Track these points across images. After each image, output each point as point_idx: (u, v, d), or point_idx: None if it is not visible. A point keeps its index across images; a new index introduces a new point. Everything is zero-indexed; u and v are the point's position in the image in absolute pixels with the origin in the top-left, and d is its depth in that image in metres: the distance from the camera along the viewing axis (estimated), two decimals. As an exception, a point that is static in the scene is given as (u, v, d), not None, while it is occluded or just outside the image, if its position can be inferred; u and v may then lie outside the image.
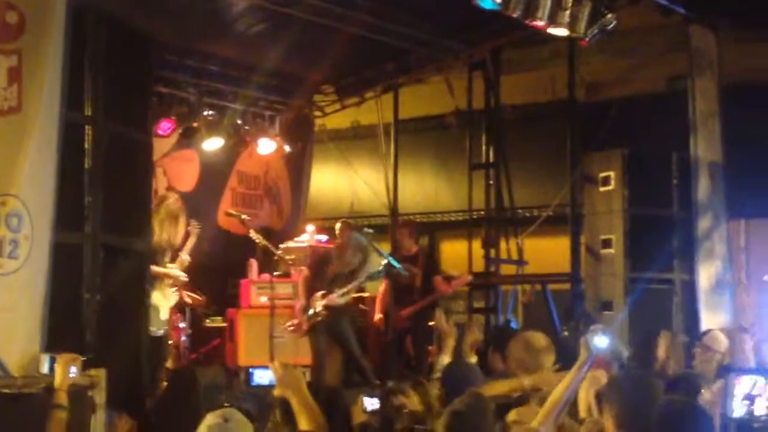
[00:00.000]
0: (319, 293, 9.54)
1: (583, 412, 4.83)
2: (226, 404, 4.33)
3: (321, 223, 12.10)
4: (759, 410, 5.37)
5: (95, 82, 6.68)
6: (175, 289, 9.10)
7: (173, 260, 9.10)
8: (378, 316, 10.51)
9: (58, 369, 4.80)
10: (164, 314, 8.84)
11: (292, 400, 4.10)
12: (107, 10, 6.95)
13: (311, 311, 9.54)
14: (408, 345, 10.60)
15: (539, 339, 5.75)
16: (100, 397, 5.42)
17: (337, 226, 10.36)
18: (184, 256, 9.20)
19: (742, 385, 5.40)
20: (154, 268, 8.56)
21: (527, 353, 5.62)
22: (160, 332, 8.70)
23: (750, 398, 5.39)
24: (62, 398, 4.70)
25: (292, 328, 9.65)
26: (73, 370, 4.83)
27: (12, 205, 5.85)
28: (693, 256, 10.35)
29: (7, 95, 5.98)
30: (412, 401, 5.31)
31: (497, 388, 5.43)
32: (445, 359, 6.05)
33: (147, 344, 7.58)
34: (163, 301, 8.87)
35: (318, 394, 4.37)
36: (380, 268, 10.00)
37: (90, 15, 6.67)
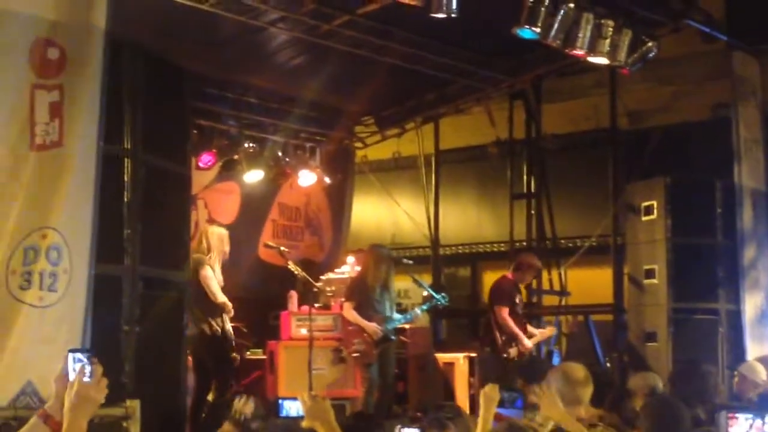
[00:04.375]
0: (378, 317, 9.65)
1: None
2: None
3: (360, 255, 12.09)
4: None
5: (133, 115, 6.74)
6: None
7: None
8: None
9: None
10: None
11: (320, 431, 4.09)
12: (145, 44, 7.03)
13: (383, 337, 9.58)
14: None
15: (578, 371, 5.68)
16: (134, 428, 5.42)
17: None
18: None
19: (740, 424, 5.29)
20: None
21: (565, 385, 5.54)
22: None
23: None
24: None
25: (357, 354, 9.63)
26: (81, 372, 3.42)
27: (52, 239, 5.90)
28: (738, 285, 10.20)
29: (49, 130, 6.05)
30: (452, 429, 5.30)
31: None
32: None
33: (185, 376, 7.58)
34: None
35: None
36: (431, 301, 10.07)
37: (127, 49, 6.74)
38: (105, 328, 6.37)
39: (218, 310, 9.16)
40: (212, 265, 9.24)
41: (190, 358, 8.52)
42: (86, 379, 3.16)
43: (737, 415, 5.34)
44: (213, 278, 9.15)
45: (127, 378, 6.48)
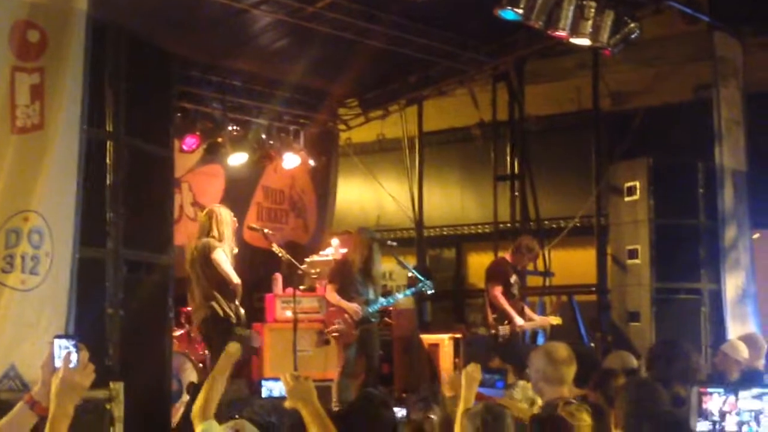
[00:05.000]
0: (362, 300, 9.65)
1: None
2: (236, 416, 4.32)
3: (346, 237, 12.11)
4: (729, 426, 5.32)
5: (116, 98, 6.71)
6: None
7: None
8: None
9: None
10: None
11: (303, 411, 4.10)
12: (128, 26, 6.99)
13: (363, 318, 9.60)
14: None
15: (561, 350, 5.69)
16: (118, 410, 5.43)
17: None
18: None
19: (714, 401, 5.35)
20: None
21: (548, 365, 5.57)
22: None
23: (721, 414, 5.35)
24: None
25: (336, 334, 9.64)
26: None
27: (34, 221, 5.89)
28: (719, 265, 10.26)
29: (30, 112, 6.02)
30: (435, 413, 5.33)
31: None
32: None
33: (170, 359, 7.58)
34: None
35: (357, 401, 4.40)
36: (416, 286, 10.06)
37: (111, 31, 6.70)
38: (88, 311, 6.36)
39: (231, 292, 9.18)
40: (223, 247, 9.22)
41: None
42: (72, 365, 3.18)
43: (710, 390, 5.39)
44: (226, 261, 9.15)
45: (111, 361, 6.48)
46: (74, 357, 3.19)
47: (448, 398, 5.70)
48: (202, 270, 9.11)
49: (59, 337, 3.25)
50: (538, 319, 10.51)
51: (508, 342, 9.83)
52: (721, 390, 5.41)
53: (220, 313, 9.10)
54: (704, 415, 5.30)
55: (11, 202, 5.85)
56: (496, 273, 10.30)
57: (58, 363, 3.18)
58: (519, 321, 9.98)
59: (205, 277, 9.10)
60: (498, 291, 10.05)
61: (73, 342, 3.21)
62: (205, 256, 9.07)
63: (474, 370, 5.14)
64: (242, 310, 9.35)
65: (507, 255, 10.46)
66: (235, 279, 9.13)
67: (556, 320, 10.49)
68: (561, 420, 4.57)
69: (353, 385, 9.58)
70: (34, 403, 3.22)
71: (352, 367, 9.68)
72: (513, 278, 10.19)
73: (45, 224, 5.89)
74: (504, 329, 9.96)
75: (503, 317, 10.01)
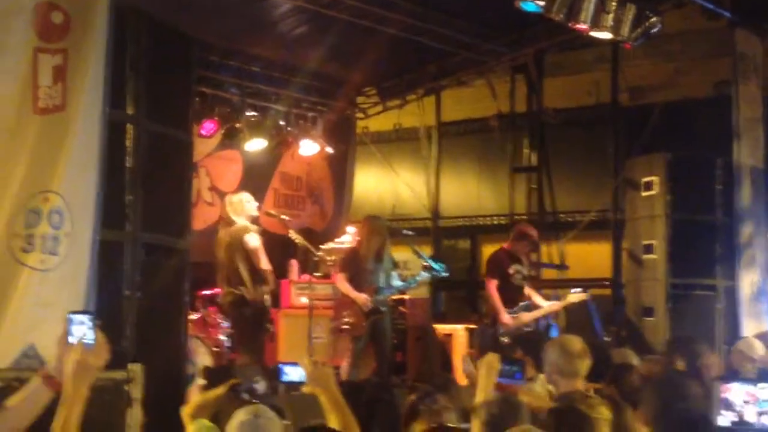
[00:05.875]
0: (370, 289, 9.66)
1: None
2: (255, 401, 4.33)
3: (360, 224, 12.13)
4: (749, 417, 5.33)
5: (137, 81, 6.72)
6: None
7: None
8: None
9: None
10: None
11: (321, 397, 4.11)
12: (150, 10, 7.00)
13: (373, 309, 9.61)
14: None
15: (575, 343, 5.69)
16: (136, 391, 5.46)
17: None
18: None
19: (734, 391, 5.35)
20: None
21: (562, 358, 5.56)
22: None
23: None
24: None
25: (347, 327, 9.67)
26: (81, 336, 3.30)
27: (54, 202, 5.91)
28: (735, 262, 10.23)
29: (52, 93, 6.04)
30: (444, 401, 5.32)
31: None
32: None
33: (186, 342, 7.62)
34: None
35: (359, 390, 4.40)
36: (427, 274, 10.05)
37: (133, 14, 6.71)
38: (106, 293, 6.39)
39: (261, 277, 9.27)
40: (256, 231, 9.43)
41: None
42: (88, 341, 3.18)
43: (730, 385, 5.40)
44: (261, 246, 9.29)
45: (128, 342, 6.52)
46: (90, 334, 3.19)
47: (462, 388, 5.70)
48: (236, 254, 9.22)
49: (74, 312, 3.25)
50: (546, 306, 10.20)
51: (527, 335, 9.76)
52: (740, 382, 5.42)
53: (247, 297, 9.19)
54: (727, 406, 5.30)
55: (32, 182, 5.88)
56: (490, 266, 10.25)
57: (72, 339, 3.19)
58: (505, 318, 9.83)
59: (237, 262, 9.22)
60: (492, 284, 9.95)
61: (88, 317, 3.22)
62: (240, 241, 9.16)
63: (493, 359, 5.14)
64: (267, 296, 9.44)
65: (506, 244, 10.38)
66: (266, 265, 9.23)
67: (577, 297, 10.26)
68: (580, 413, 4.57)
69: (361, 374, 9.59)
70: (49, 378, 3.24)
71: (359, 358, 9.69)
72: (513, 268, 10.05)
73: (65, 205, 5.92)
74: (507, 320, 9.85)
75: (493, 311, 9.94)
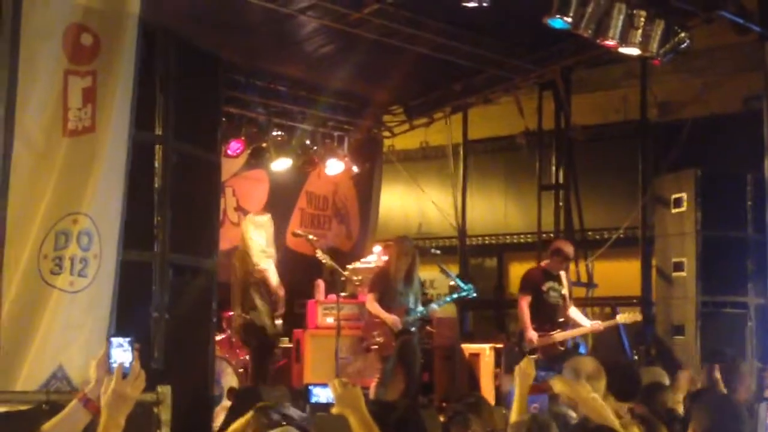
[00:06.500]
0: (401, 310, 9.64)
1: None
2: (283, 423, 4.30)
3: (389, 244, 12.07)
4: None
5: (165, 102, 6.73)
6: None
7: None
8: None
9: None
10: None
11: (350, 418, 4.07)
12: (177, 30, 7.02)
13: (403, 329, 9.57)
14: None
15: (587, 364, 5.62)
16: (165, 413, 5.41)
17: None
18: None
19: None
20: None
21: (575, 379, 5.50)
22: None
23: None
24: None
25: (376, 347, 9.63)
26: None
27: (83, 224, 5.90)
28: (767, 279, 10.11)
29: (82, 115, 6.04)
30: (476, 423, 5.28)
31: None
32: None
33: (213, 363, 7.60)
34: None
35: (389, 410, 4.37)
36: (456, 293, 10.00)
37: (160, 35, 6.73)
38: (135, 314, 6.38)
39: (274, 302, 9.32)
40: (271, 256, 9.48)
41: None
42: (126, 365, 3.17)
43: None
44: (274, 271, 9.33)
45: (157, 364, 6.49)
46: (128, 357, 3.19)
47: (493, 408, 5.66)
48: (248, 277, 9.20)
49: (116, 335, 3.26)
50: (583, 327, 10.00)
51: (533, 352, 9.59)
52: None
53: (257, 322, 9.18)
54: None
55: (61, 204, 5.87)
56: (523, 282, 10.13)
57: (113, 363, 3.19)
58: (530, 336, 9.67)
59: (248, 284, 9.19)
60: (524, 301, 9.83)
61: (128, 340, 3.22)
62: (250, 263, 9.15)
63: (527, 365, 5.10)
64: (279, 321, 9.42)
65: (543, 262, 10.30)
66: (278, 290, 9.23)
67: (629, 317, 10.07)
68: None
69: (389, 394, 9.54)
70: (87, 401, 3.25)
71: (389, 378, 9.65)
72: (547, 285, 9.90)
73: (94, 227, 5.91)
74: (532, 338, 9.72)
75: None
